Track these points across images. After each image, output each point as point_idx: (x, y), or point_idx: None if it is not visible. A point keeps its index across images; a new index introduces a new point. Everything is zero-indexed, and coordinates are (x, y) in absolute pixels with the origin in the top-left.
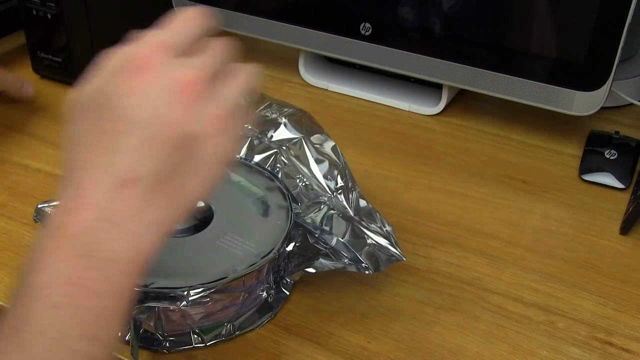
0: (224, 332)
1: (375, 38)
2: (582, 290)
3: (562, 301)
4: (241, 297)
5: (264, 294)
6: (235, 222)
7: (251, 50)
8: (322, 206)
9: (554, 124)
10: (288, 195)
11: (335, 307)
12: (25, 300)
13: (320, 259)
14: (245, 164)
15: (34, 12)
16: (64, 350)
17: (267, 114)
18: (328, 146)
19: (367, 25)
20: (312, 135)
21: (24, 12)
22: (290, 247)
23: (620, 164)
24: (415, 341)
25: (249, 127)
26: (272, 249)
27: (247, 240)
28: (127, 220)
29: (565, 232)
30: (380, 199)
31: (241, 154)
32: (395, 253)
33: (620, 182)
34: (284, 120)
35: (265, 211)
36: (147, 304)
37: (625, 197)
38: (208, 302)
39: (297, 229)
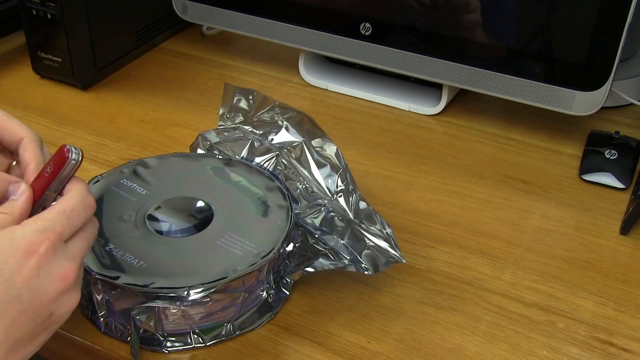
0: (223, 332)
1: (375, 38)
2: (582, 290)
3: (562, 301)
4: (241, 297)
5: (264, 294)
6: (235, 222)
7: (251, 51)
8: (322, 209)
9: (554, 124)
10: (288, 195)
11: (335, 307)
12: None
13: (320, 259)
14: (246, 164)
15: (34, 12)
16: None
17: (269, 117)
18: (330, 149)
19: (367, 25)
20: (314, 139)
21: (24, 12)
22: (290, 247)
23: (620, 164)
24: (415, 341)
25: (250, 130)
26: (272, 249)
27: (247, 240)
28: None
29: (565, 232)
30: (380, 199)
31: (242, 155)
32: (395, 255)
33: (620, 182)
34: (285, 123)
35: (265, 211)
36: (147, 304)
37: (625, 197)
38: (208, 302)
39: (297, 229)
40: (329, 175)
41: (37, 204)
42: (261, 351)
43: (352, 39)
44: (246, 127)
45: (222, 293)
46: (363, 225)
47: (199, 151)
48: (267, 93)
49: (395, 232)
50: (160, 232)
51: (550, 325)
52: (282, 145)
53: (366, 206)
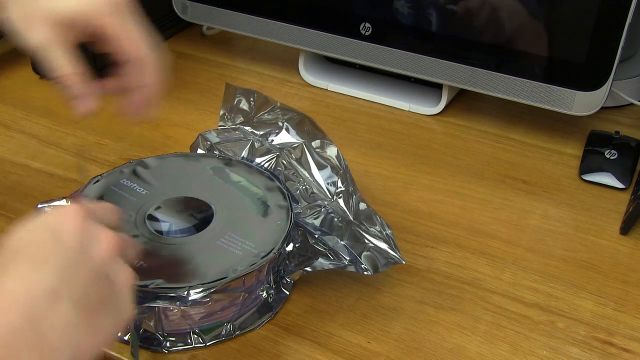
0: (223, 332)
1: (375, 38)
2: (582, 290)
3: (562, 301)
4: (241, 297)
5: (264, 294)
6: (235, 222)
7: (251, 50)
8: (322, 209)
9: (554, 124)
10: (288, 195)
11: (335, 307)
12: None
13: (320, 259)
14: (245, 164)
15: None
16: None
17: (270, 117)
18: (330, 151)
19: (367, 25)
20: (314, 140)
21: None
22: (290, 247)
23: (620, 164)
24: (415, 341)
25: (250, 131)
26: (272, 249)
27: (247, 240)
28: (49, 331)
29: (565, 232)
30: (380, 199)
31: (242, 155)
32: (395, 256)
33: (620, 182)
34: (285, 124)
35: (265, 211)
36: (147, 304)
37: (625, 197)
38: (208, 302)
39: (297, 229)
40: (329, 177)
41: None
42: (261, 351)
43: (352, 39)
44: (246, 128)
45: (222, 293)
46: (363, 227)
47: (199, 151)
48: (267, 93)
49: (395, 232)
50: (160, 232)
51: (550, 325)
52: (282, 146)
53: (366, 207)
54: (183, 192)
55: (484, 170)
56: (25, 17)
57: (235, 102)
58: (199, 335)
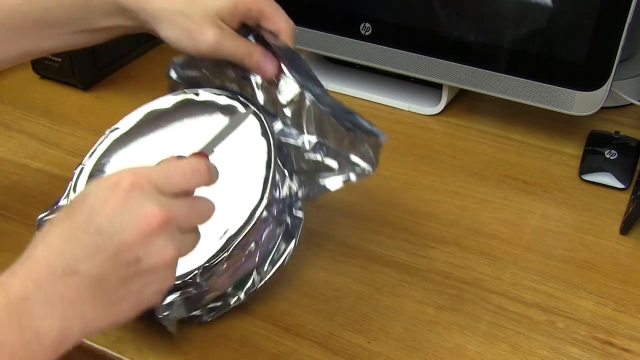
0: (256, 279)
1: (375, 38)
2: (582, 290)
3: (562, 301)
4: (255, 246)
5: (278, 229)
6: (220, 176)
7: None
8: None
9: (554, 124)
10: (265, 121)
11: (335, 307)
12: None
13: (319, 180)
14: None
15: None
16: None
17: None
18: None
19: (367, 25)
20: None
21: None
22: (285, 189)
23: (620, 164)
24: (415, 341)
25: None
26: (263, 196)
27: (237, 190)
28: (60, 302)
29: (565, 232)
30: (380, 199)
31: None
32: (373, 130)
33: (620, 182)
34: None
35: (247, 149)
36: (166, 302)
37: (625, 197)
38: (224, 268)
39: (282, 152)
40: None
41: None
42: (261, 351)
43: (352, 39)
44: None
45: (232, 258)
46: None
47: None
48: None
49: (395, 232)
50: None
51: (550, 325)
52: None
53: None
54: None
55: (484, 170)
56: (190, 20)
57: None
58: (233, 295)
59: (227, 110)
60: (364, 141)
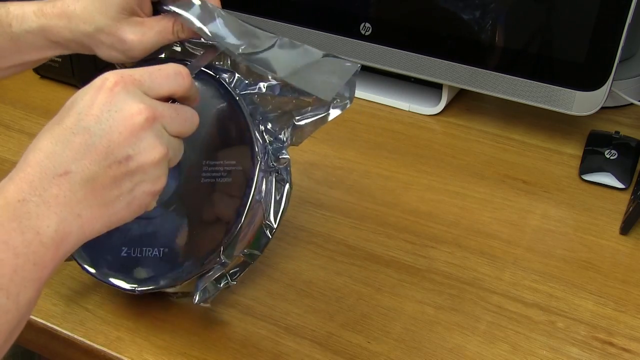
0: (267, 233)
1: (375, 38)
2: (582, 290)
3: (562, 301)
4: (258, 203)
5: (270, 178)
6: (202, 147)
7: None
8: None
9: (554, 124)
10: (223, 82)
11: (335, 307)
12: None
13: (298, 119)
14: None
15: None
16: None
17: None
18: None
19: (367, 25)
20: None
21: None
22: (264, 139)
23: (620, 164)
24: (415, 341)
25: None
26: (254, 162)
27: (225, 159)
28: (55, 202)
29: (565, 232)
30: (380, 199)
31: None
32: (347, 65)
33: (620, 182)
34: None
35: (218, 116)
36: (199, 289)
37: (625, 197)
38: (241, 237)
39: (248, 104)
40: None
41: None
42: (261, 351)
43: (352, 39)
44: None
45: (241, 223)
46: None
47: None
48: None
49: (395, 232)
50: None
51: (550, 325)
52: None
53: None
54: None
55: (484, 170)
56: (107, 34)
57: None
58: (248, 256)
59: None
60: (331, 70)
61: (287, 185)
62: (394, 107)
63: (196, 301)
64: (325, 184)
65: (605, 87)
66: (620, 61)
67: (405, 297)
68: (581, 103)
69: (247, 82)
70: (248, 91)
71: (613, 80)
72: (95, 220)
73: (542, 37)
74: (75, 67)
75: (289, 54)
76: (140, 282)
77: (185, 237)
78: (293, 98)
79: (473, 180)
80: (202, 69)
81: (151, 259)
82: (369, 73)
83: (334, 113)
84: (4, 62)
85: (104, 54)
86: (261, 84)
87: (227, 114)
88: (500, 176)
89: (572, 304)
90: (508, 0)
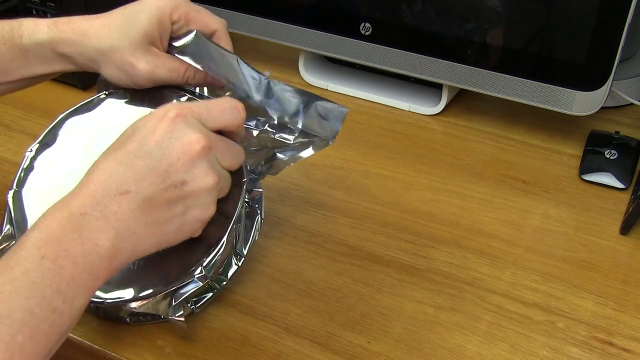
0: (236, 261)
1: (375, 38)
2: (582, 290)
3: (562, 301)
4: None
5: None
6: None
7: (251, 50)
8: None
9: (554, 124)
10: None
11: (335, 307)
12: (22, 246)
13: (278, 154)
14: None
15: (34, 12)
16: (39, 295)
17: None
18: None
19: (367, 25)
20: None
21: (24, 12)
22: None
23: (620, 164)
24: (415, 341)
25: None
26: (241, 182)
27: None
28: (114, 218)
29: (565, 232)
30: (380, 199)
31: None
32: (338, 109)
33: (620, 182)
34: None
35: None
36: (169, 308)
37: (625, 197)
38: (218, 257)
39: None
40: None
41: None
42: (261, 351)
43: (352, 39)
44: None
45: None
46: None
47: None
48: None
49: (395, 232)
50: None
51: (550, 325)
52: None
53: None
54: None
55: (484, 170)
56: (120, 55)
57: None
58: (217, 280)
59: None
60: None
61: (259, 217)
62: (394, 107)
63: (170, 316)
64: (325, 184)
65: (605, 87)
66: (620, 61)
67: (405, 297)
68: (581, 103)
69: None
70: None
71: (613, 80)
72: (148, 238)
73: (542, 37)
74: None
75: (287, 95)
76: (108, 293)
77: (161, 253)
78: (272, 137)
79: (473, 180)
80: (190, 96)
81: (125, 269)
82: (369, 73)
83: (310, 152)
84: (12, 75)
85: (110, 73)
86: (256, 121)
87: None
88: (500, 176)
89: (572, 304)
90: (508, 0)
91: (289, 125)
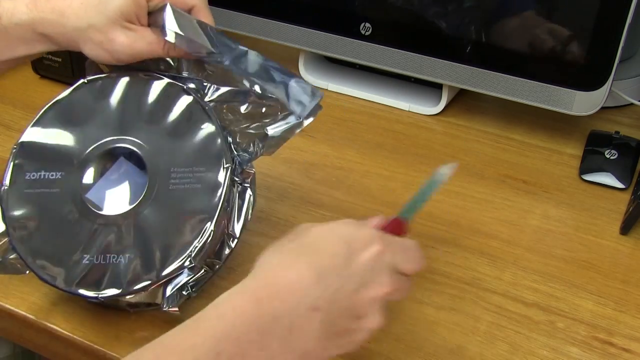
0: (230, 243)
1: (375, 38)
2: (582, 290)
3: (562, 301)
4: (223, 213)
5: (233, 189)
6: (170, 154)
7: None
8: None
9: (554, 124)
10: (194, 95)
11: None
12: (199, 330)
13: (267, 130)
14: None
15: None
16: None
17: None
18: None
19: (367, 25)
20: None
21: None
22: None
23: (620, 164)
24: (415, 341)
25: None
26: (223, 167)
27: (194, 166)
28: (298, 330)
29: (565, 232)
30: (381, 199)
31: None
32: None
33: (620, 182)
34: None
35: (187, 123)
36: (163, 299)
37: (625, 197)
38: (207, 244)
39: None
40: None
41: None
42: None
43: (352, 39)
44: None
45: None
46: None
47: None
48: None
49: None
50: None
51: (550, 325)
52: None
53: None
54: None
55: (484, 170)
56: (99, 32)
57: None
58: (211, 264)
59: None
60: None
61: (251, 198)
62: (394, 107)
63: (164, 308)
64: (325, 184)
65: (605, 87)
66: (620, 61)
67: (405, 297)
68: (581, 103)
69: (216, 87)
70: (218, 100)
71: (613, 80)
72: (311, 356)
73: (542, 37)
74: (75, 67)
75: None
76: (104, 288)
77: (151, 244)
78: (263, 105)
79: (473, 180)
80: (173, 81)
81: (116, 265)
82: (369, 73)
83: (308, 121)
84: None
85: (90, 51)
86: (231, 88)
87: (197, 122)
88: (500, 176)
89: (572, 304)
90: (508, 0)
91: (269, 94)
